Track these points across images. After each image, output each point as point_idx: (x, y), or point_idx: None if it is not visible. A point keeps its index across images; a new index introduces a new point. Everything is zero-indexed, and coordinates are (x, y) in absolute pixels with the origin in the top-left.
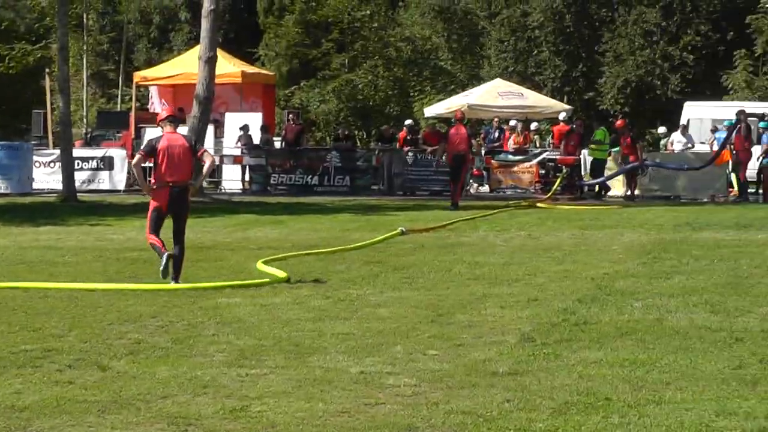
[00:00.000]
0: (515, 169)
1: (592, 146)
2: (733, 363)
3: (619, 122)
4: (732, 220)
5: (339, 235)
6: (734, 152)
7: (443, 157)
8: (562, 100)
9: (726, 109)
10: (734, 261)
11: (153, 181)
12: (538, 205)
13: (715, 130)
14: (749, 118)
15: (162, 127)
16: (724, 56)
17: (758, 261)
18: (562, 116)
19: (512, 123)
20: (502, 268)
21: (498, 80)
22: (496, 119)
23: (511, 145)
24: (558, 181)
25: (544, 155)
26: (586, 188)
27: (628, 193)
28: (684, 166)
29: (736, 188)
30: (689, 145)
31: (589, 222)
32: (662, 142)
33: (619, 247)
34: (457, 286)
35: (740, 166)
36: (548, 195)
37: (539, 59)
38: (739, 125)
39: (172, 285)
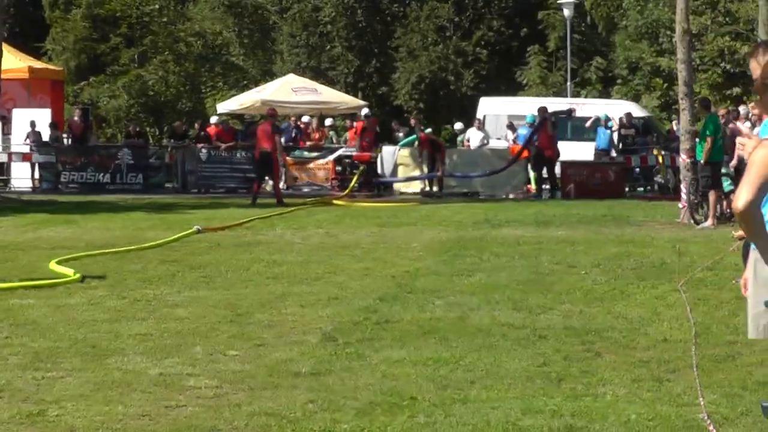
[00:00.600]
0: (311, 166)
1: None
2: (538, 360)
3: (413, 120)
4: (531, 217)
5: (133, 234)
6: (536, 149)
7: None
8: (356, 96)
9: (522, 105)
10: (535, 258)
11: None
12: (335, 202)
13: (511, 126)
14: (558, 116)
15: None
16: (517, 52)
17: (558, 257)
18: (364, 112)
19: (305, 119)
20: (301, 266)
21: (291, 75)
22: (293, 118)
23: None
24: (355, 178)
25: (339, 152)
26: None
27: (426, 189)
28: (487, 171)
29: (533, 185)
30: (485, 141)
31: (387, 219)
32: (459, 138)
33: (418, 245)
34: (256, 285)
35: (548, 163)
36: (345, 192)
37: (332, 54)
38: (545, 122)
39: None
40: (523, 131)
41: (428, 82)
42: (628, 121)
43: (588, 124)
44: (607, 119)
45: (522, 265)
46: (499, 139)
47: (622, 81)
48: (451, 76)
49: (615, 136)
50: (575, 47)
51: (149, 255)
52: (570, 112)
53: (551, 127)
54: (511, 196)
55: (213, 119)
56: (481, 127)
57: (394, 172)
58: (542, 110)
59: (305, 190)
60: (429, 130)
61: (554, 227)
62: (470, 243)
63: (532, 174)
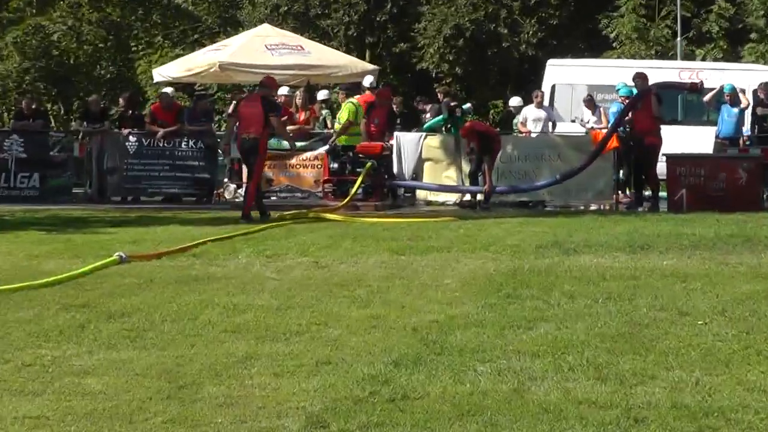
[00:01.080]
0: (293, 162)
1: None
2: None
3: (440, 94)
4: (622, 239)
5: (24, 263)
6: (631, 137)
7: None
8: (362, 57)
9: (609, 71)
10: (628, 301)
11: None
12: (328, 216)
13: (590, 101)
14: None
15: None
16: None
17: (663, 300)
18: (367, 82)
19: (284, 91)
20: (276, 314)
21: (265, 26)
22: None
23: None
24: (359, 179)
25: (336, 140)
26: (401, 190)
27: (468, 198)
28: (556, 177)
29: (627, 190)
30: (550, 123)
31: (408, 242)
32: (515, 120)
33: (454, 281)
34: (207, 343)
35: (649, 157)
36: (345, 201)
37: None
38: (647, 96)
39: None
40: (614, 108)
41: (469, 36)
42: (767, 95)
43: (706, 99)
44: (735, 93)
45: (609, 311)
46: (573, 121)
47: (758, 36)
48: (503, 28)
49: (747, 117)
50: None
51: (47, 296)
52: (695, 88)
53: (656, 104)
54: (592, 207)
55: (147, 91)
56: (547, 103)
57: (418, 171)
58: (642, 78)
59: (284, 196)
60: (467, 106)
61: (657, 254)
62: (531, 278)
63: (622, 173)
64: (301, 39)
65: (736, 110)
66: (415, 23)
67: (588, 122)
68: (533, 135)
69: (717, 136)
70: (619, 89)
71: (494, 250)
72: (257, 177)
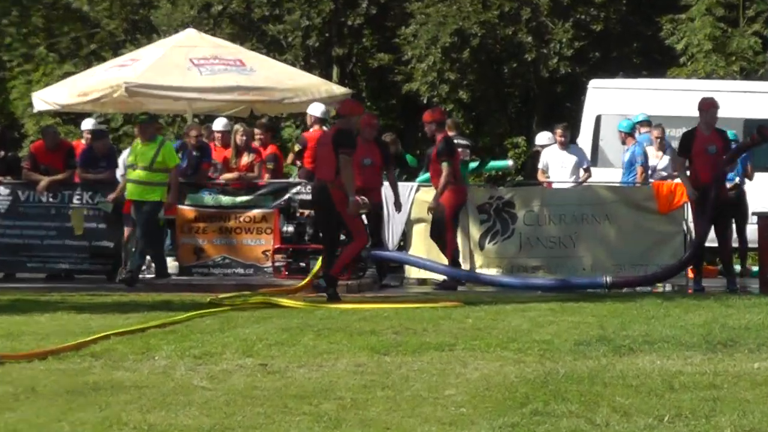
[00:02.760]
0: (231, 223)
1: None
2: None
3: (427, 115)
4: (697, 332)
5: None
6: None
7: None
8: (328, 76)
9: (676, 96)
10: (705, 419)
11: None
12: (282, 301)
13: (661, 136)
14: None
15: None
16: None
17: (754, 419)
18: (316, 111)
19: (219, 126)
20: None
21: (190, 33)
22: (192, 123)
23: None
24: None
25: (292, 192)
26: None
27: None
28: (605, 280)
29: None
30: (581, 170)
31: (394, 336)
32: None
33: (459, 392)
34: None
35: (739, 216)
36: (305, 279)
37: None
38: (753, 143)
39: None
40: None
41: (477, 46)
42: None
43: None
44: None
45: None
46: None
47: None
48: (525, 34)
49: None
50: None
51: None
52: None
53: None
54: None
55: (25, 124)
56: (589, 139)
57: (407, 238)
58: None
59: (216, 273)
60: (506, 163)
61: (745, 354)
62: (569, 387)
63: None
64: (241, 50)
65: None
66: (401, 27)
67: (657, 167)
68: (561, 185)
69: None
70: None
71: (516, 348)
72: (360, 237)
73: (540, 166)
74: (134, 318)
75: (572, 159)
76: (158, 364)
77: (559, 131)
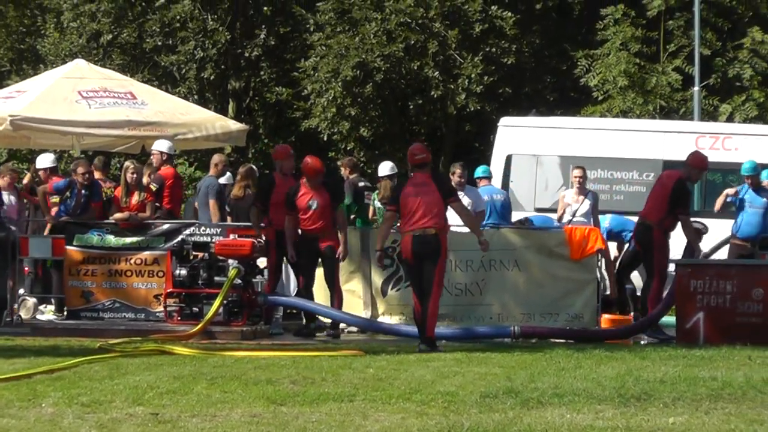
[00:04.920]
0: (120, 265)
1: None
2: None
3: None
4: (610, 385)
5: None
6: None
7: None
8: (223, 111)
9: (590, 135)
10: None
11: None
12: (174, 349)
13: (582, 177)
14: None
15: None
16: (578, 16)
17: None
18: (163, 147)
19: (47, 163)
20: None
21: (79, 63)
22: (80, 169)
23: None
24: (220, 295)
25: (186, 233)
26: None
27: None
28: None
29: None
30: (476, 212)
31: (291, 386)
32: None
33: None
34: None
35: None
36: (199, 325)
37: (167, 17)
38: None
39: None
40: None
41: (380, 81)
42: None
43: (716, 206)
44: (758, 174)
45: None
46: (547, 209)
47: None
48: (432, 68)
49: None
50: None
51: None
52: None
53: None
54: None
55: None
56: (500, 180)
57: (308, 281)
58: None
59: (109, 318)
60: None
61: (660, 408)
62: None
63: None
64: (132, 83)
65: (764, 200)
66: (300, 60)
67: (574, 211)
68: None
69: (733, 234)
70: (745, 168)
71: (419, 400)
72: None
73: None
74: (20, 363)
75: (466, 201)
76: (45, 412)
77: (457, 171)
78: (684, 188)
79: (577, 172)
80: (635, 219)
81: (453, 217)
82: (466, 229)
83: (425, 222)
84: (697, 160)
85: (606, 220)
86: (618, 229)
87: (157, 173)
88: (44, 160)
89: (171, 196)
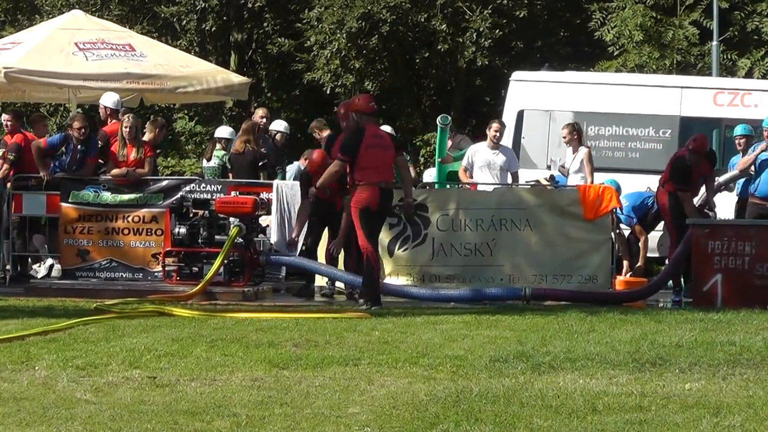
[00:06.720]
0: (119, 223)
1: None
2: None
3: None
4: (624, 349)
5: None
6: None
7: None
8: (226, 63)
9: (606, 90)
10: None
11: None
12: (173, 310)
13: (576, 133)
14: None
15: None
16: None
17: None
18: (108, 101)
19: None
20: None
21: (76, 14)
22: (76, 124)
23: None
24: (222, 251)
25: (185, 190)
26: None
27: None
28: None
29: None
30: (511, 172)
31: (294, 349)
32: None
33: (364, 411)
34: None
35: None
36: (198, 286)
37: None
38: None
39: None
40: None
41: (386, 33)
42: None
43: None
44: None
45: None
46: (549, 167)
47: None
48: (440, 21)
49: None
50: None
51: None
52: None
53: None
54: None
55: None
56: (510, 137)
57: (314, 241)
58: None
59: (105, 278)
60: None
61: (675, 373)
62: (483, 407)
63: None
64: (131, 35)
65: None
66: (304, 11)
67: (568, 170)
68: (484, 188)
69: (752, 193)
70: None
71: (427, 364)
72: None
73: (464, 163)
74: (13, 324)
75: (501, 158)
76: (38, 375)
77: (494, 126)
78: (680, 167)
79: (565, 131)
80: (651, 183)
81: (477, 175)
82: (480, 187)
83: (388, 175)
84: (698, 144)
85: (624, 200)
86: (639, 202)
87: (101, 130)
88: (108, 99)
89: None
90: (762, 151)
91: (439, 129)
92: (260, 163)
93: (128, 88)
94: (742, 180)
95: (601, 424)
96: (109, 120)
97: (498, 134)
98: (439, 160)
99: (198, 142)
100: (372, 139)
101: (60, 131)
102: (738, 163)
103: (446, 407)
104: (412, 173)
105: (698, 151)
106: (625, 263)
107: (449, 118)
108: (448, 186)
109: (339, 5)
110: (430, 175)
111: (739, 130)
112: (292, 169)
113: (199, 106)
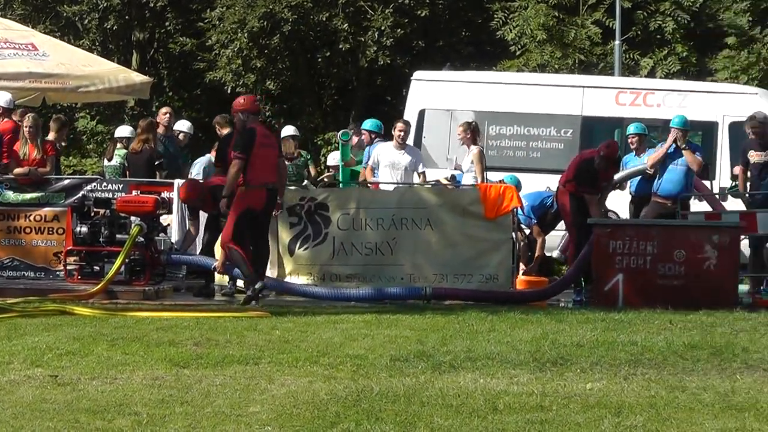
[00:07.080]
0: (19, 222)
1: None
2: None
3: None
4: (525, 349)
5: None
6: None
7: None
8: (127, 63)
9: (507, 90)
10: None
11: None
12: (74, 309)
13: (472, 130)
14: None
15: None
16: None
17: None
18: (1, 100)
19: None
20: None
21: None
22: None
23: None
24: (123, 250)
25: (87, 189)
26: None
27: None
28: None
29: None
30: (415, 174)
31: (194, 348)
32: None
33: (264, 410)
34: None
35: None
36: (99, 285)
37: None
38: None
39: None
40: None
41: (288, 33)
42: (759, 131)
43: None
44: (686, 130)
45: None
46: (449, 166)
47: (737, 41)
48: (342, 20)
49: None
50: None
51: None
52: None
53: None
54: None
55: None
56: (411, 137)
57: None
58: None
59: (8, 277)
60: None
61: (577, 373)
62: (384, 406)
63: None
64: (34, 34)
65: (683, 157)
66: (206, 11)
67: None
68: (385, 187)
69: (654, 192)
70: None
71: (327, 363)
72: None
73: (369, 162)
74: None
75: (407, 158)
76: None
77: (399, 126)
78: (587, 170)
79: (459, 129)
80: (552, 182)
81: (383, 175)
82: (381, 186)
83: (274, 176)
84: (610, 151)
85: (523, 200)
86: (538, 202)
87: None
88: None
89: (9, 151)
90: (669, 147)
91: (340, 145)
92: (156, 162)
93: (31, 87)
94: (637, 178)
95: (502, 424)
96: (1, 119)
97: (403, 134)
98: (343, 163)
99: (99, 141)
100: (263, 138)
101: None
102: (646, 159)
103: (347, 406)
104: (313, 172)
105: (609, 157)
106: (522, 264)
107: (350, 133)
108: (351, 184)
109: (241, 5)
110: (333, 158)
111: (632, 128)
112: (202, 161)
113: (101, 106)
